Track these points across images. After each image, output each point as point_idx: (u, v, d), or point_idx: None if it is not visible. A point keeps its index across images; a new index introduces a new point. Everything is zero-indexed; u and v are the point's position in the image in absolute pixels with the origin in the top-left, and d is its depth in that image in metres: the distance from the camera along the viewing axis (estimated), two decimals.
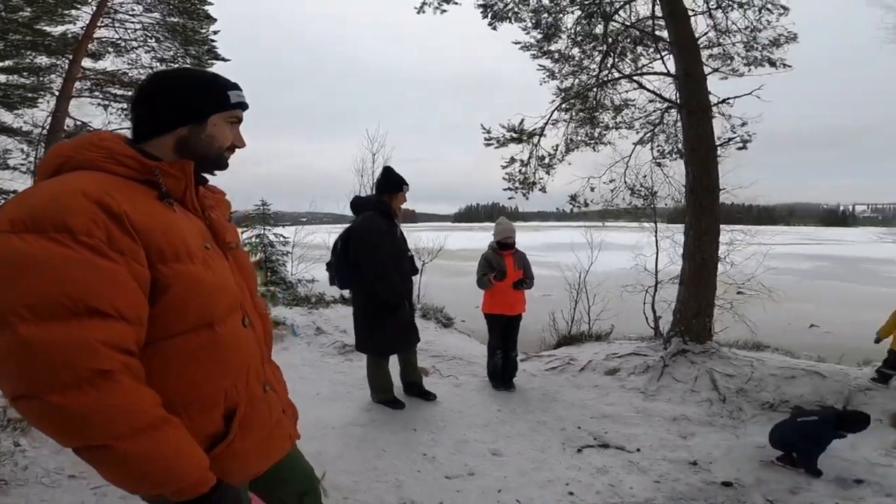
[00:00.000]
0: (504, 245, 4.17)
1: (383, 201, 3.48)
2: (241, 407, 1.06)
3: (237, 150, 1.14)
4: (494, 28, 6.61)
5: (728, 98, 5.37)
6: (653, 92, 5.95)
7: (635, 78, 6.13)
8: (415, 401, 3.69)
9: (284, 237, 9.55)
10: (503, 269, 4.05)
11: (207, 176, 1.14)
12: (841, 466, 3.02)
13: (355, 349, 3.75)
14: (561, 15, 6.58)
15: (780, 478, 2.95)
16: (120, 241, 0.87)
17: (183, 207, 1.04)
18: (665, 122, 6.76)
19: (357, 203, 3.61)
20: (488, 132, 6.98)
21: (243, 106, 1.12)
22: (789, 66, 6.15)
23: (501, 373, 4.19)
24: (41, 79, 9.10)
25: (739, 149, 6.43)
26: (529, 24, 6.63)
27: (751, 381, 4.15)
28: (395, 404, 3.55)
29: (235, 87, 1.10)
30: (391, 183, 3.49)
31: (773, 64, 6.11)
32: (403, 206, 3.61)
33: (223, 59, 9.88)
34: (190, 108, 1.04)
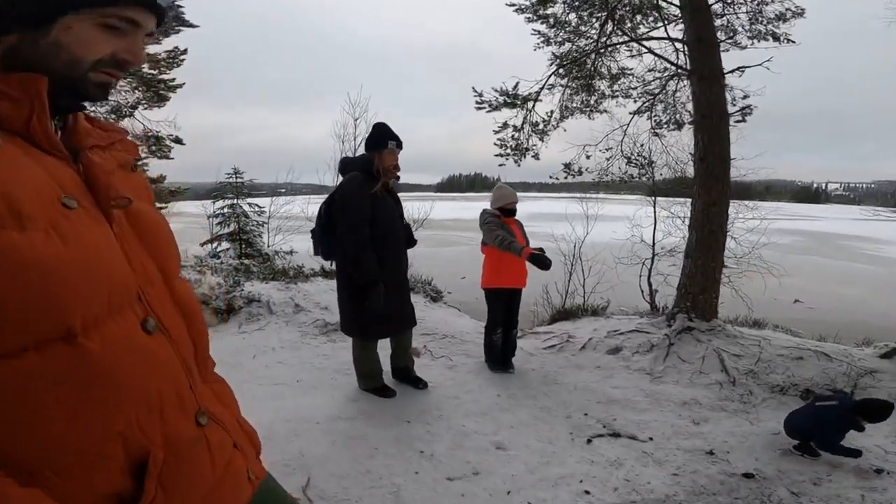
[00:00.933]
0: (508, 211, 3.78)
1: (368, 160, 3.04)
2: (157, 454, 0.68)
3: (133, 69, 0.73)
4: None
5: (742, 66, 5.15)
6: (661, 57, 5.61)
7: (643, 42, 5.75)
8: (406, 387, 3.36)
9: (260, 207, 9.01)
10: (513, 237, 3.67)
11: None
12: None
13: (340, 330, 3.36)
14: None
15: (801, 468, 2.78)
16: None
17: (27, 143, 0.63)
18: (666, 90, 6.50)
19: (343, 163, 3.18)
20: (480, 95, 6.60)
21: (144, 3, 0.69)
22: (793, 42, 5.93)
23: (501, 353, 3.87)
24: None
25: (738, 122, 6.24)
26: None
27: (760, 363, 3.95)
28: (384, 392, 3.20)
29: None
30: (373, 139, 3.06)
31: (776, 38, 5.89)
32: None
33: (191, 26, 9.00)
34: (20, 5, 0.63)
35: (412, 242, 3.35)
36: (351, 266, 2.93)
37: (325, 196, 3.22)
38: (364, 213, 2.92)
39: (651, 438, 3.03)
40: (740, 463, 2.80)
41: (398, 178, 3.15)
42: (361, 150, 3.29)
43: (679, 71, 5.47)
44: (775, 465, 2.80)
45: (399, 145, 3.07)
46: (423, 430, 2.85)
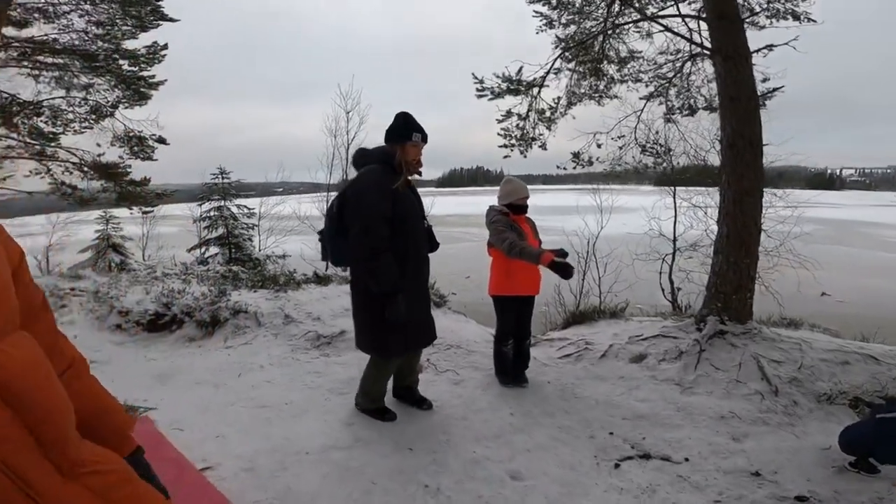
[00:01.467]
0: (518, 208, 3.39)
1: (388, 153, 2.70)
2: None
3: None
4: None
5: (771, 45, 4.76)
6: (680, 35, 5.19)
7: (658, 20, 5.35)
8: (408, 408, 3.02)
9: (249, 208, 8.64)
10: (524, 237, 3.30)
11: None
12: None
13: (355, 347, 2.96)
14: None
15: (859, 487, 2.46)
16: None
17: None
18: (682, 73, 6.09)
19: (358, 155, 2.83)
20: (481, 82, 6.19)
21: None
22: (814, 21, 5.52)
23: (512, 366, 3.51)
24: None
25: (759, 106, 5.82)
26: None
27: (802, 369, 3.56)
28: (384, 415, 2.86)
29: None
30: (396, 130, 2.71)
31: (797, 17, 5.48)
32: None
33: (170, 20, 8.71)
34: None
35: (434, 245, 2.98)
36: (366, 273, 2.58)
37: (319, 195, 2.88)
38: (382, 210, 2.56)
39: (687, 459, 2.71)
40: (791, 484, 2.50)
41: (420, 173, 2.81)
42: (355, 145, 2.94)
43: (701, 50, 5.06)
44: (830, 484, 2.49)
45: (424, 138, 2.73)
46: (428, 458, 2.51)
